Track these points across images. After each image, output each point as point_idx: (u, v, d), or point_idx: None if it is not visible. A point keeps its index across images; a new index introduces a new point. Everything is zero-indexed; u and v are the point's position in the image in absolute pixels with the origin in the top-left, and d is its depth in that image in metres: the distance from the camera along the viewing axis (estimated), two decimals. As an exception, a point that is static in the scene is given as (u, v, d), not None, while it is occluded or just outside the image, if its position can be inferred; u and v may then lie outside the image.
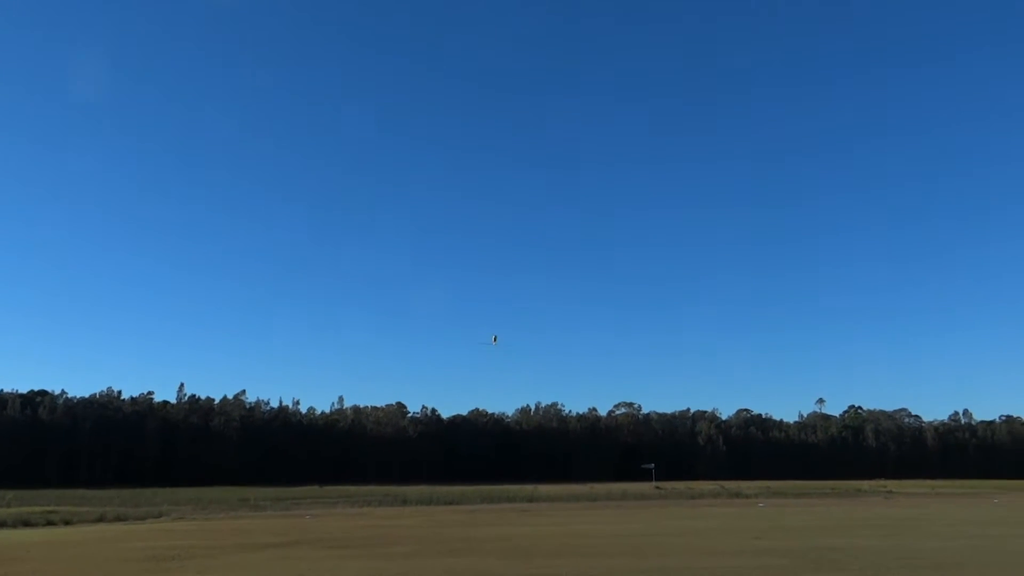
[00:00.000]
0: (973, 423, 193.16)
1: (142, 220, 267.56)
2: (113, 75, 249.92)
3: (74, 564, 18.39)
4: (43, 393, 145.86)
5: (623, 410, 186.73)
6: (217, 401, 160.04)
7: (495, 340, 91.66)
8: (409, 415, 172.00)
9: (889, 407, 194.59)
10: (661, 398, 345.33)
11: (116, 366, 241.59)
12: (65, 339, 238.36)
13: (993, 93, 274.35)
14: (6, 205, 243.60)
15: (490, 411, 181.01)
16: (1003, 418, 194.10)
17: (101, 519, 38.93)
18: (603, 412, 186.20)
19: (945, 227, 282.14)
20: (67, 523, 36.64)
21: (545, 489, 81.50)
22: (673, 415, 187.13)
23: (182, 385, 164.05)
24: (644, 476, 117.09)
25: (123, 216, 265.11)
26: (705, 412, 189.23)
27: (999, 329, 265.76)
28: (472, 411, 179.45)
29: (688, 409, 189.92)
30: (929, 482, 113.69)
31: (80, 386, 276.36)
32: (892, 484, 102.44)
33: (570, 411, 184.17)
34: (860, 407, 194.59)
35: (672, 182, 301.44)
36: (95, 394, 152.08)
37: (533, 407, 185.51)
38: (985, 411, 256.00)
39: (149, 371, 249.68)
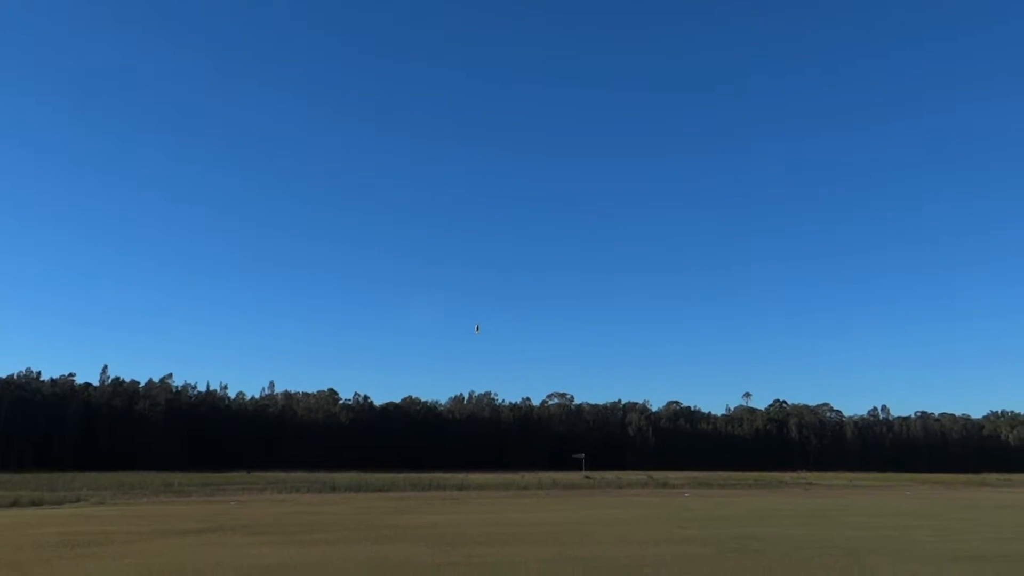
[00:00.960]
0: (890, 418, 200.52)
1: (64, 196, 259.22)
2: None
3: (-17, 549, 17.75)
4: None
5: (556, 400, 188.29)
6: (142, 384, 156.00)
7: (478, 329, 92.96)
8: (341, 401, 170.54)
9: (812, 401, 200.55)
10: (593, 389, 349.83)
11: (35, 346, 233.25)
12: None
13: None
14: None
15: (423, 399, 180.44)
16: (918, 414, 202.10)
17: (15, 504, 37.60)
18: (536, 402, 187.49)
19: (868, 226, 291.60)
20: (-22, 508, 35.31)
21: (476, 477, 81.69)
22: (605, 406, 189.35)
23: (106, 367, 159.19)
24: (575, 466, 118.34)
25: (44, 192, 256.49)
26: (636, 404, 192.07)
27: (918, 328, 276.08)
28: (405, 399, 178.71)
29: (619, 400, 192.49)
30: (847, 474, 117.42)
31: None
32: (812, 476, 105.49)
33: (503, 400, 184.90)
34: (785, 401, 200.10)
35: (601, 174, 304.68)
36: (12, 375, 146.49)
37: (466, 396, 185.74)
38: (902, 407, 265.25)
39: (71, 352, 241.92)
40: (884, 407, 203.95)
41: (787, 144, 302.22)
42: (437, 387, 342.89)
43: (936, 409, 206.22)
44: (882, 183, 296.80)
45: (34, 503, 38.35)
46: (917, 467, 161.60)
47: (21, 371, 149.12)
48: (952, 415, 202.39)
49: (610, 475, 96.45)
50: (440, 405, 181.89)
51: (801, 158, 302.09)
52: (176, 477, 70.22)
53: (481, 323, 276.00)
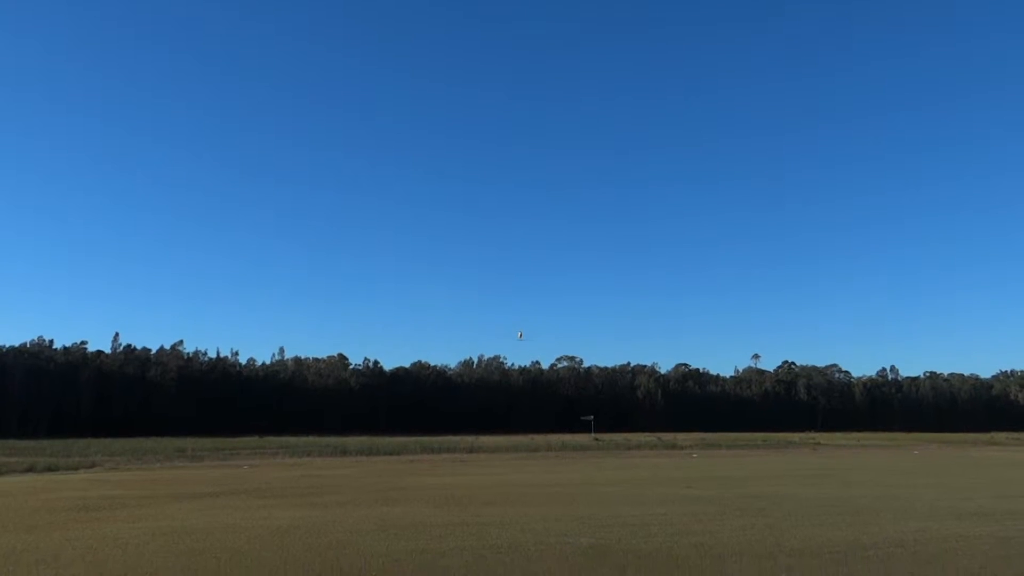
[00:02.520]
0: (899, 379, 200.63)
1: (69, 169, 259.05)
2: None
3: (1, 514, 18.03)
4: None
5: (565, 363, 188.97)
6: (153, 352, 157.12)
7: (520, 336, 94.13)
8: (351, 367, 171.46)
9: (821, 363, 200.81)
10: (602, 352, 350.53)
11: (47, 315, 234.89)
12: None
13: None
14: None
15: (433, 363, 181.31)
16: (927, 374, 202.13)
17: (31, 469, 38.17)
18: (545, 366, 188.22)
19: (877, 190, 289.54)
20: (-5, 473, 35.82)
21: (485, 440, 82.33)
22: (614, 369, 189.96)
23: (117, 335, 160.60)
24: (584, 428, 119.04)
25: (52, 163, 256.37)
26: (645, 366, 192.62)
27: (927, 288, 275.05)
28: (415, 363, 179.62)
29: (628, 363, 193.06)
30: (856, 434, 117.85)
31: (8, 335, 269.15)
32: (821, 436, 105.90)
33: (513, 364, 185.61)
34: (793, 363, 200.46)
35: (611, 144, 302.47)
36: (25, 343, 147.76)
37: (476, 360, 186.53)
38: (911, 368, 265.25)
39: (82, 320, 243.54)
40: (893, 367, 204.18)
41: (793, 87, 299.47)
42: (446, 351, 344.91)
43: (945, 369, 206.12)
44: (885, 130, 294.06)
45: (49, 469, 38.90)
46: (926, 427, 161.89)
47: (34, 339, 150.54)
48: (961, 375, 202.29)
49: (619, 437, 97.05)
50: (450, 369, 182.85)
51: (804, 106, 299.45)
52: (189, 443, 70.98)
53: (494, 286, 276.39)
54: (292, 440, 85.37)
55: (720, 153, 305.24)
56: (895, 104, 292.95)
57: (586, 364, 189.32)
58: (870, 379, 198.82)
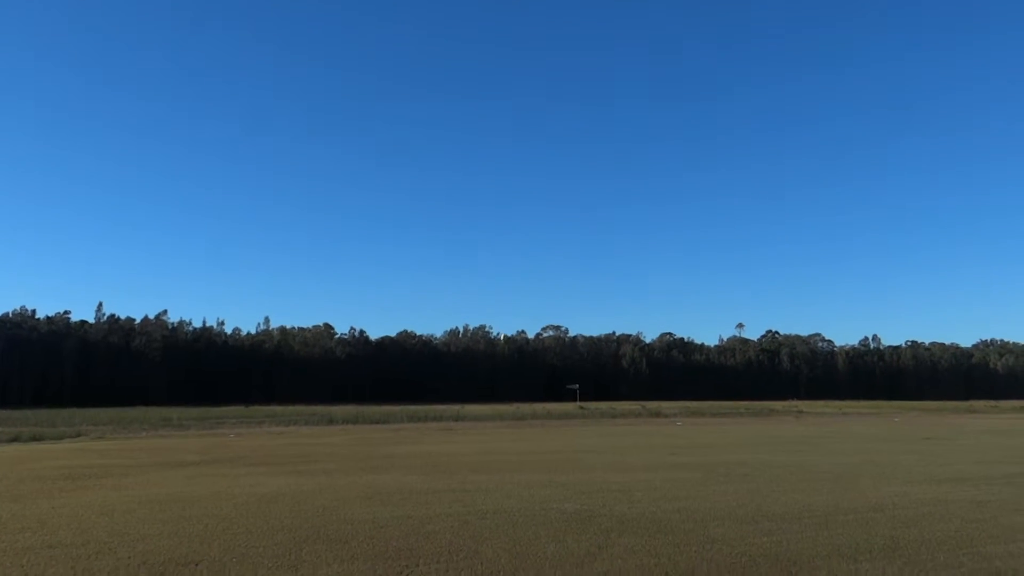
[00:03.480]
0: (881, 347, 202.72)
1: (56, 135, 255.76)
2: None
3: (-16, 483, 18.02)
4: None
5: (550, 333, 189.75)
6: (138, 321, 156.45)
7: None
8: (337, 336, 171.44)
9: (804, 332, 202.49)
10: (588, 322, 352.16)
11: (29, 284, 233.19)
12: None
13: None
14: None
15: (419, 333, 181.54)
16: (909, 343, 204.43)
17: (16, 439, 38.03)
18: (531, 335, 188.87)
19: (861, 156, 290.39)
20: (-21, 443, 35.68)
21: (471, 409, 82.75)
22: (599, 338, 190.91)
23: (100, 304, 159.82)
24: (569, 397, 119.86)
25: (36, 130, 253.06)
26: (630, 335, 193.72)
27: (909, 258, 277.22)
28: (400, 333, 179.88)
29: (613, 332, 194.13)
30: (838, 403, 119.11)
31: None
32: (803, 405, 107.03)
33: (498, 334, 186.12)
34: (777, 332, 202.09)
35: (594, 109, 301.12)
36: (7, 313, 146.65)
37: (461, 329, 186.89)
38: (893, 337, 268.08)
39: (65, 290, 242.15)
40: (875, 337, 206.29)
41: (781, 75, 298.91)
42: (432, 321, 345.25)
43: (926, 338, 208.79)
44: (867, 116, 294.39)
45: (34, 438, 38.78)
46: (907, 395, 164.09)
47: (16, 309, 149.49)
48: (942, 344, 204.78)
49: (604, 405, 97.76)
50: (435, 339, 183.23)
51: (791, 86, 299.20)
52: (174, 412, 70.95)
53: (477, 256, 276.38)
54: (278, 409, 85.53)
55: (710, 120, 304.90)
56: (879, 66, 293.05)
57: (571, 333, 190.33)
58: (853, 348, 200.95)
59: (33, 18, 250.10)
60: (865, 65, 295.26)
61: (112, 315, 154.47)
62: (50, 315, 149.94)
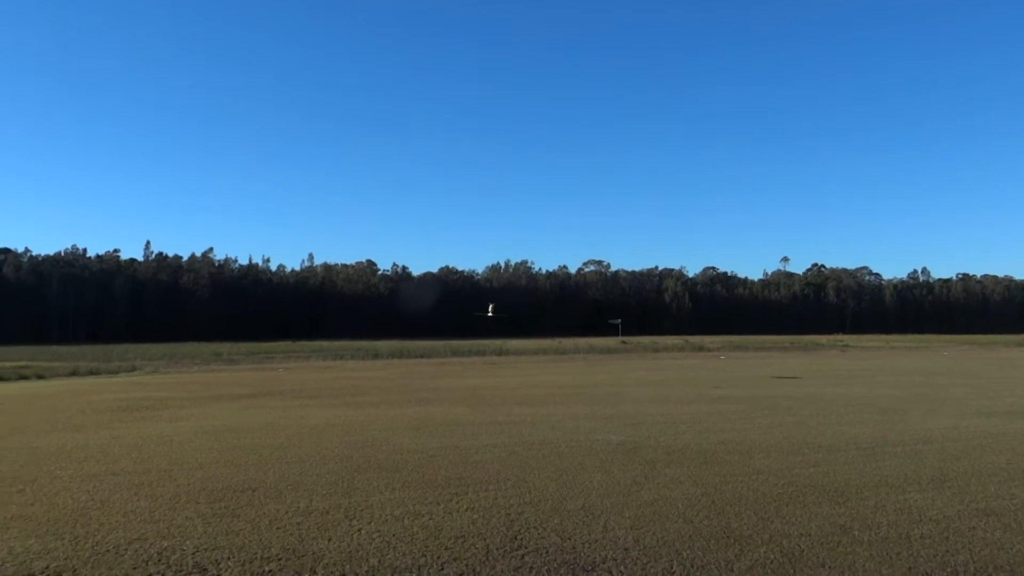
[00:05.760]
0: (931, 280, 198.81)
1: (103, 77, 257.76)
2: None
3: (48, 414, 18.71)
4: (6, 251, 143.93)
5: (592, 267, 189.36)
6: (185, 259, 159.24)
7: (490, 313, 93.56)
8: (379, 272, 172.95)
9: (851, 265, 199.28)
10: (630, 256, 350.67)
11: (79, 224, 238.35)
12: (26, 196, 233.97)
13: None
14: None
15: (460, 268, 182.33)
16: (959, 276, 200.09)
17: (74, 373, 39.36)
18: (573, 270, 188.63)
19: (910, 89, 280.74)
20: (40, 377, 36.99)
21: (514, 343, 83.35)
22: (641, 273, 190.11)
23: (148, 243, 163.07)
24: (611, 331, 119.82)
25: (84, 73, 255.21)
26: (672, 270, 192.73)
27: (960, 188, 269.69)
28: (442, 268, 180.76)
29: (656, 267, 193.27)
30: (885, 337, 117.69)
31: (43, 244, 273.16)
32: (849, 339, 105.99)
33: (540, 269, 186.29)
34: (823, 265, 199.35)
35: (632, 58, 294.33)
36: (60, 252, 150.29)
37: (503, 264, 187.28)
38: (943, 269, 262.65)
39: (113, 228, 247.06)
40: (924, 269, 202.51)
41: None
42: (474, 256, 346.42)
43: (978, 271, 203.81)
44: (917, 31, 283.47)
45: (91, 372, 40.09)
46: (957, 330, 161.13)
47: (68, 248, 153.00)
48: (995, 276, 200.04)
49: (646, 340, 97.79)
50: (477, 274, 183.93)
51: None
52: (225, 347, 72.63)
53: (522, 191, 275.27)
54: (325, 344, 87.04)
55: (756, 56, 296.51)
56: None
57: (613, 268, 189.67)
58: (901, 281, 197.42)
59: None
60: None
61: (160, 253, 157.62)
62: (100, 253, 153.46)
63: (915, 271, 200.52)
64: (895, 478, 10.07)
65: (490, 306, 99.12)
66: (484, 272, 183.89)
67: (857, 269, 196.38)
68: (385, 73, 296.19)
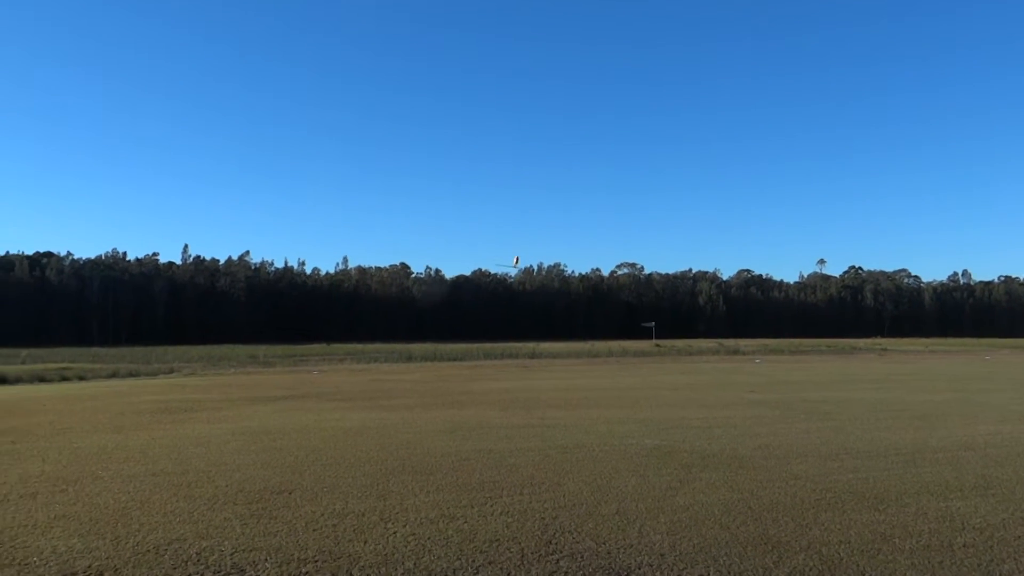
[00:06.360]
0: (972, 283, 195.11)
1: (143, 79, 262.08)
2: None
3: (89, 415, 19.04)
4: (49, 255, 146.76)
5: (625, 270, 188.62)
6: (222, 262, 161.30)
7: (516, 261, 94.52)
8: (413, 275, 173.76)
9: (889, 267, 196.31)
10: (663, 259, 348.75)
11: (119, 227, 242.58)
12: (68, 200, 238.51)
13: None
14: (5, 63, 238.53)
15: (493, 271, 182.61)
16: (1002, 278, 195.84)
17: (114, 375, 40.03)
18: (606, 273, 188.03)
19: (949, 86, 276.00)
20: (81, 379, 37.70)
21: (547, 346, 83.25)
22: (675, 275, 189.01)
23: (186, 246, 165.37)
24: (645, 334, 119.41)
25: (125, 75, 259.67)
26: (706, 272, 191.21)
27: (1003, 189, 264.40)
28: (475, 271, 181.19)
29: (690, 269, 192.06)
30: (924, 340, 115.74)
31: (84, 248, 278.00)
32: (887, 342, 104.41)
33: (573, 272, 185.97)
34: (860, 267, 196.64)
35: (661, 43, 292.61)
36: (101, 255, 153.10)
37: (536, 267, 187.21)
38: (984, 272, 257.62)
39: (152, 232, 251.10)
40: (965, 272, 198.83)
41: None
42: (508, 259, 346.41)
43: (1021, 273, 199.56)
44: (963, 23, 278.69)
45: (131, 374, 40.74)
46: (999, 333, 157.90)
47: (108, 252, 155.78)
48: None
49: (680, 343, 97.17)
50: (510, 277, 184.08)
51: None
52: (260, 350, 73.43)
53: (552, 192, 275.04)
54: (358, 347, 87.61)
55: (790, 50, 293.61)
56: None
57: (647, 271, 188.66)
58: (940, 284, 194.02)
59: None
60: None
61: (198, 256, 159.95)
62: (140, 257, 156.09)
63: (955, 273, 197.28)
64: (936, 485, 9.89)
65: (515, 258, 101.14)
66: (517, 275, 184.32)
67: (895, 271, 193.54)
68: (418, 71, 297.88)
